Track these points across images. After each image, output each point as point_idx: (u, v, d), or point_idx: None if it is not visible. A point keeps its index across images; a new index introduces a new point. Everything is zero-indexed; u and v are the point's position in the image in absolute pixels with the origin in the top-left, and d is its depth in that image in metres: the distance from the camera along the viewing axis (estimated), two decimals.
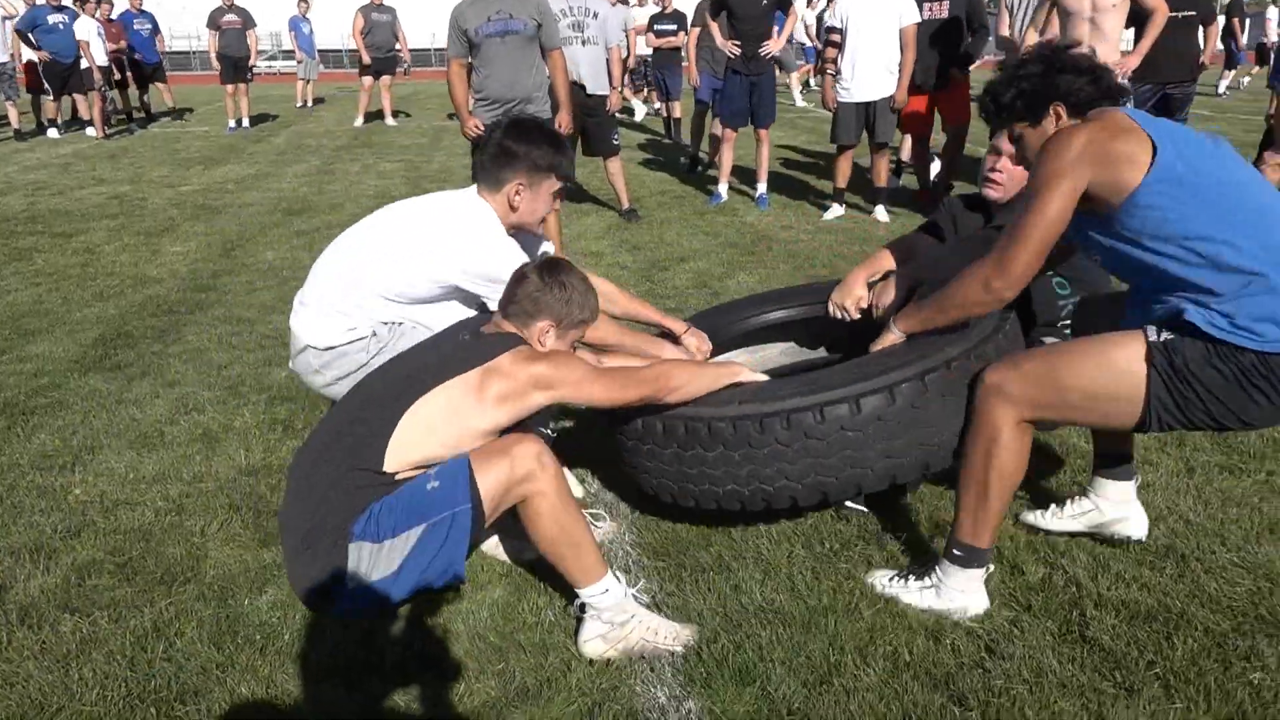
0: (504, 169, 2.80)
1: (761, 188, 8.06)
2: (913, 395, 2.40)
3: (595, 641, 2.35)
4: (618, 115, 7.63)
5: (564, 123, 5.74)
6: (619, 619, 2.34)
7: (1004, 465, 2.34)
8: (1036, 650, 2.30)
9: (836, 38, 7.09)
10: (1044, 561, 2.66)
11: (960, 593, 2.44)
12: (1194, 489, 3.05)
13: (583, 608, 2.37)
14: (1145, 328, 2.24)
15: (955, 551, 2.44)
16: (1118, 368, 2.22)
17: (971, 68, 7.63)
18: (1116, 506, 2.69)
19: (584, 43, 6.89)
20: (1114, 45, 5.75)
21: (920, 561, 2.65)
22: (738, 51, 7.48)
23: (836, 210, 7.50)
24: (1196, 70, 7.62)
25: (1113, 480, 2.68)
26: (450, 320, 2.72)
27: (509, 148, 2.79)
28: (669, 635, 2.36)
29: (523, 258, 2.73)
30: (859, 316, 3.01)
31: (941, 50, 7.29)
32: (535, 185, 2.84)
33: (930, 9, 7.30)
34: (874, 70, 6.99)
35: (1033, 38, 6.07)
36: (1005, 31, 6.98)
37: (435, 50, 32.62)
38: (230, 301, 5.47)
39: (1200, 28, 7.61)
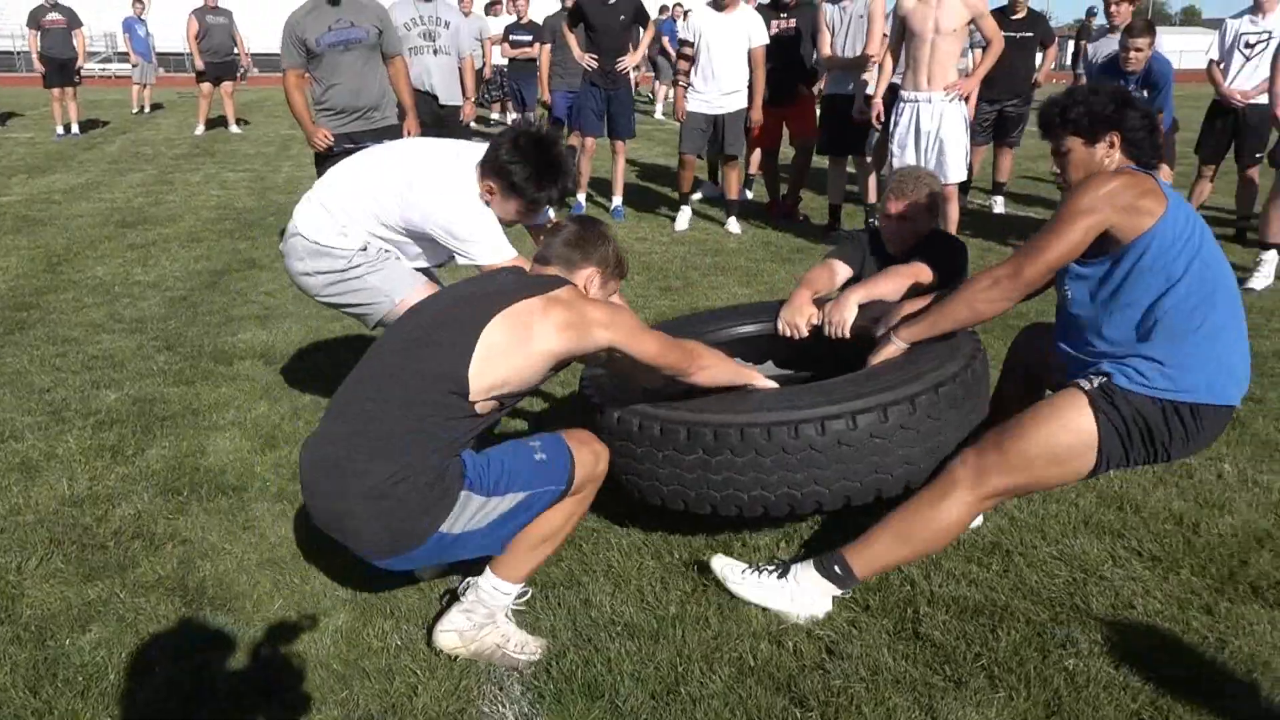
0: (488, 171, 2.94)
1: (617, 200, 8.13)
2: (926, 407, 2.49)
3: (451, 635, 2.36)
4: (473, 126, 7.57)
5: (411, 129, 5.66)
6: (481, 621, 2.36)
7: (940, 541, 2.50)
8: (873, 649, 2.40)
9: (689, 50, 7.23)
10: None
11: (811, 601, 2.53)
12: None
13: (460, 594, 2.42)
14: (1077, 381, 2.46)
15: (835, 569, 2.52)
16: (1074, 425, 2.40)
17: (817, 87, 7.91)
18: None
19: (436, 52, 6.81)
20: (950, 67, 6.05)
21: (771, 561, 2.71)
22: (595, 65, 7.53)
23: (685, 215, 7.65)
24: (1030, 90, 8.12)
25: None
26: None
27: (505, 159, 2.89)
28: (519, 645, 2.38)
29: (494, 228, 2.99)
30: (808, 334, 3.08)
31: (789, 66, 7.52)
32: (505, 198, 2.96)
33: (778, 25, 7.53)
34: (724, 84, 7.16)
35: (889, 59, 6.30)
36: (826, 51, 7.18)
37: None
38: (55, 320, 5.16)
39: (1039, 49, 8.11)
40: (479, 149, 3.03)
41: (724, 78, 7.14)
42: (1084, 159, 2.55)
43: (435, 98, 6.79)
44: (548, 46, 8.87)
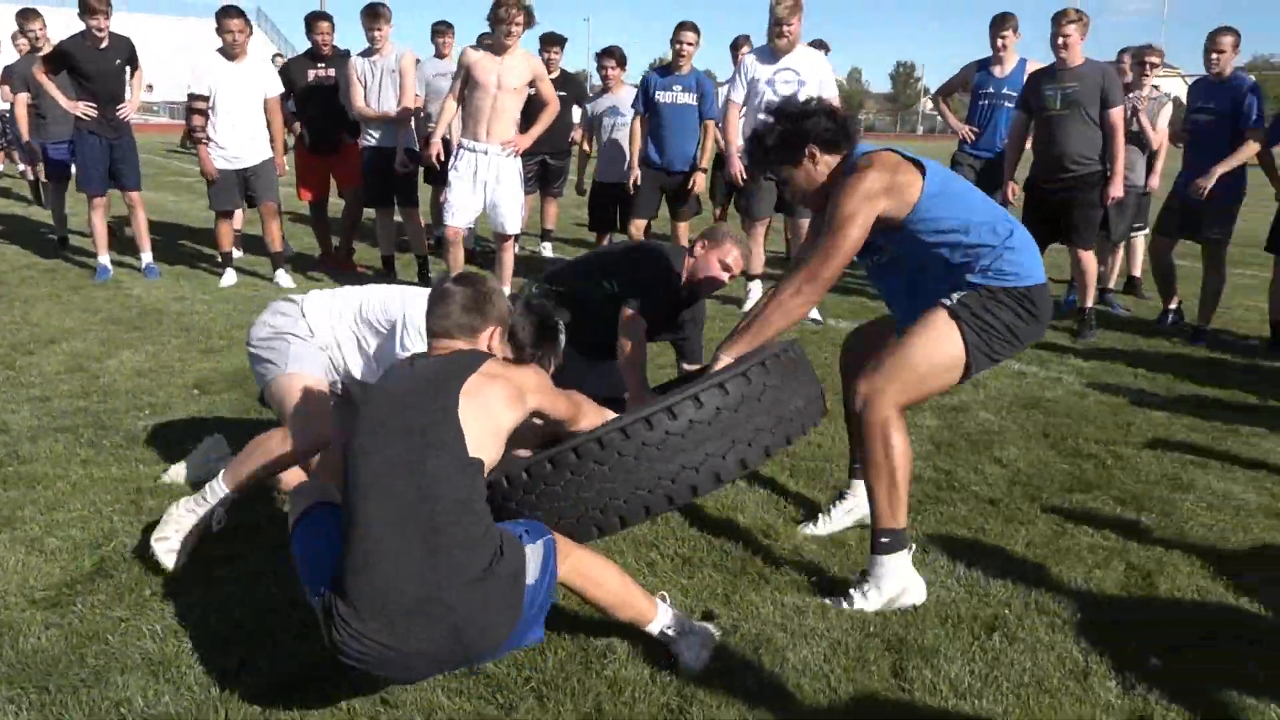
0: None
1: (146, 257, 7.51)
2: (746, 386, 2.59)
3: None
4: None
5: None
6: None
7: (900, 448, 2.78)
8: (428, 691, 2.41)
9: (202, 104, 6.88)
10: None
11: (897, 578, 2.79)
12: None
13: None
14: (939, 301, 2.82)
15: (882, 540, 2.81)
16: (943, 336, 2.78)
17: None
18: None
19: None
20: (510, 122, 6.35)
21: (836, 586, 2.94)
22: (93, 113, 6.93)
23: (230, 273, 7.26)
24: (569, 145, 8.73)
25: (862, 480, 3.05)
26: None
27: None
28: None
29: None
30: None
31: (330, 115, 7.44)
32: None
33: (315, 74, 7.44)
34: (246, 135, 6.94)
35: (451, 106, 6.41)
36: (359, 103, 7.22)
37: None
38: None
39: (575, 105, 8.71)
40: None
41: (244, 128, 6.92)
42: (803, 178, 2.93)
43: None
44: (23, 96, 8.04)
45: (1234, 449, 4.35)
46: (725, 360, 2.80)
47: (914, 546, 2.96)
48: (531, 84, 6.39)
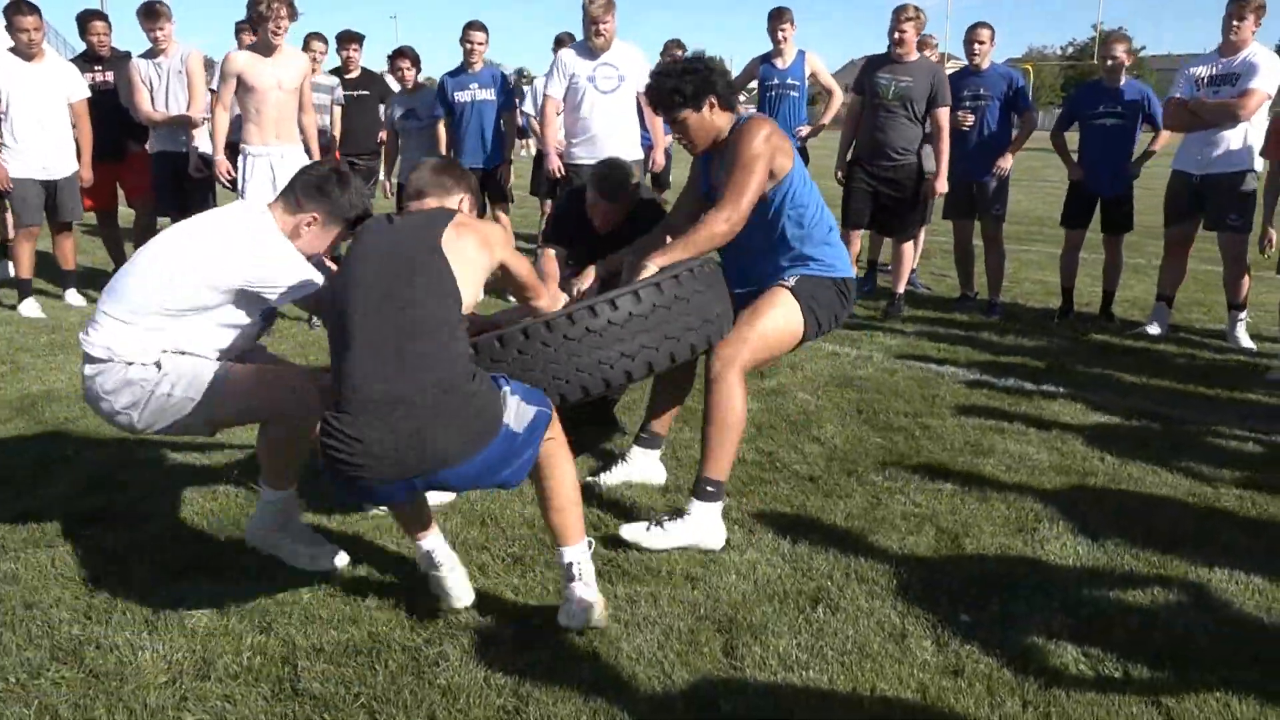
0: (310, 199, 2.97)
1: None
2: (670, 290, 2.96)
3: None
4: None
5: None
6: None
7: (738, 407, 3.20)
8: (250, 715, 2.31)
9: None
10: (259, 628, 2.70)
11: (710, 527, 3.18)
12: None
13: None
14: (780, 281, 3.35)
15: (708, 489, 3.20)
16: (788, 309, 3.30)
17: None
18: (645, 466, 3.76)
19: None
20: (295, 123, 6.16)
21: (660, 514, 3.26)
22: None
23: (33, 307, 6.63)
24: (379, 145, 8.49)
25: (644, 450, 3.76)
26: (231, 335, 2.93)
27: (326, 187, 2.97)
28: None
29: (303, 264, 2.92)
30: None
31: (112, 121, 6.99)
32: (328, 228, 3.02)
33: (93, 77, 6.97)
34: (52, 144, 6.43)
35: (223, 116, 6.12)
36: (145, 107, 6.81)
37: None
38: None
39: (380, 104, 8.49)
40: (240, 204, 3.09)
41: (45, 137, 6.41)
42: (698, 122, 3.31)
43: None
44: None
45: (1028, 411, 4.69)
46: (653, 266, 3.12)
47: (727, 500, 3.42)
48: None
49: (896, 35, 6.49)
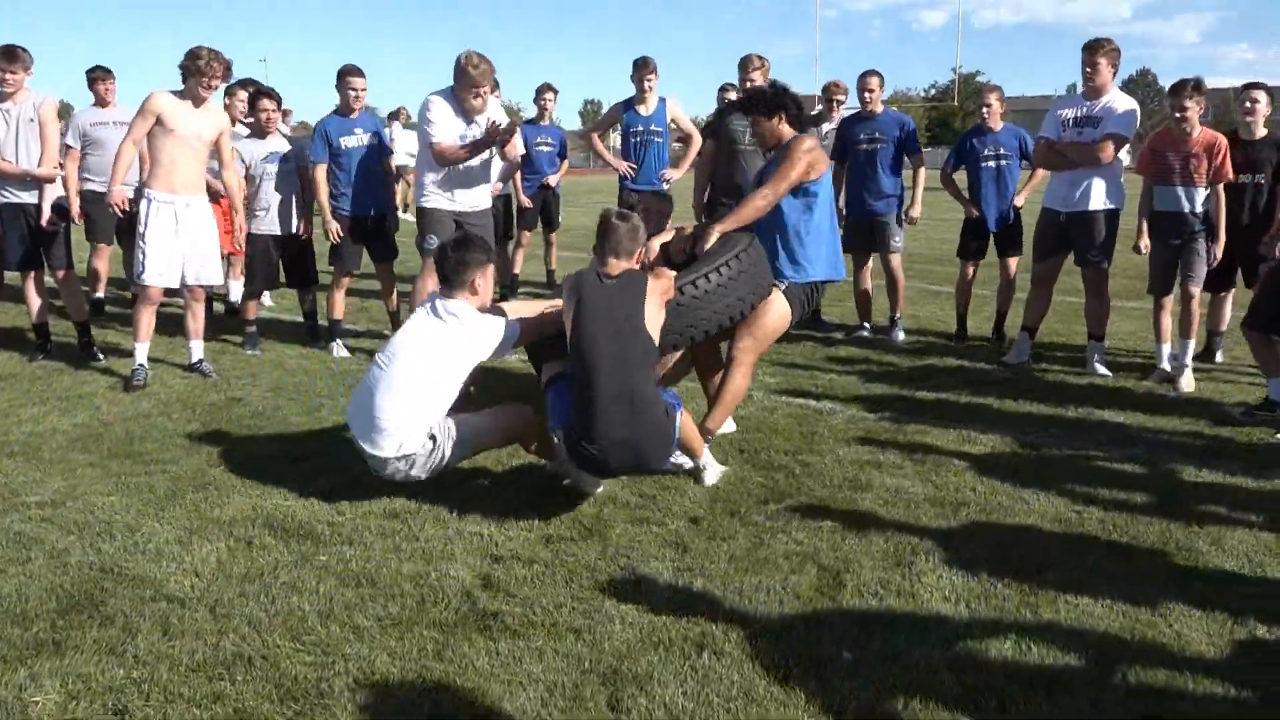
0: (464, 272, 4.04)
1: None
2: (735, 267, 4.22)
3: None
4: None
5: None
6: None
7: (745, 385, 4.60)
8: None
9: None
10: (114, 711, 2.53)
11: (714, 464, 4.37)
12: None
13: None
14: (773, 284, 4.49)
15: (707, 436, 4.38)
16: (782, 309, 4.53)
17: None
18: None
19: None
20: (203, 176, 6.23)
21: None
22: None
23: None
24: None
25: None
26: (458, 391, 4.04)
27: (464, 258, 4.04)
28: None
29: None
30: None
31: None
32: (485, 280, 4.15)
33: None
34: None
35: (131, 151, 5.96)
36: None
37: None
38: None
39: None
40: (437, 312, 4.05)
41: None
42: (768, 128, 4.66)
43: None
44: None
45: (903, 445, 4.80)
46: (716, 234, 4.34)
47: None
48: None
49: (747, 85, 7.03)
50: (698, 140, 7.91)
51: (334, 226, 6.90)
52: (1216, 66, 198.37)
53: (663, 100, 7.94)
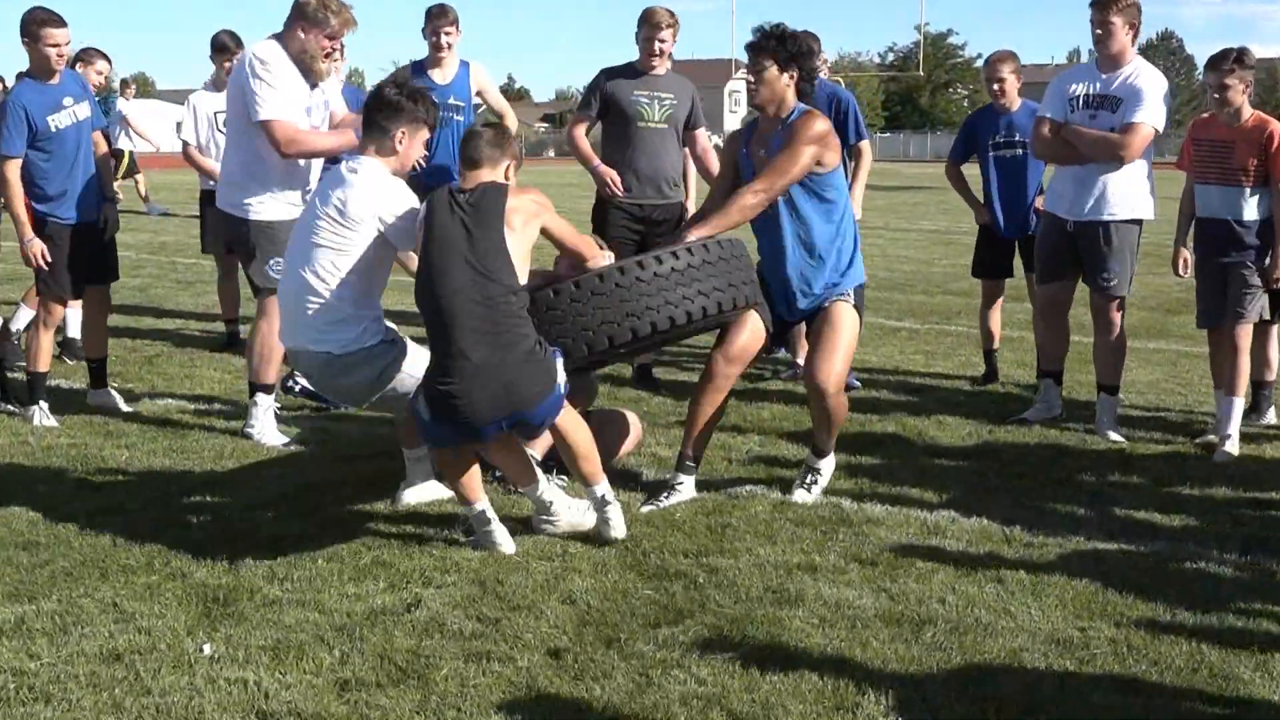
0: (393, 122, 4.86)
1: None
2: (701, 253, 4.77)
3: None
4: None
5: None
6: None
7: (845, 407, 5.50)
8: None
9: None
10: None
11: (829, 469, 5.53)
12: None
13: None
14: (842, 295, 5.28)
15: (821, 449, 5.46)
16: (853, 321, 5.30)
17: None
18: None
19: None
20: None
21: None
22: None
23: None
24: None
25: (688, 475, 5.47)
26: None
27: (394, 101, 4.86)
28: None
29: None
30: None
31: None
32: (415, 131, 4.95)
33: None
34: None
35: None
36: None
37: None
38: None
39: None
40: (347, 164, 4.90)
41: None
42: (772, 80, 5.06)
43: None
44: None
45: (847, 539, 4.82)
46: (692, 236, 4.88)
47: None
48: None
49: (657, 46, 7.20)
50: (511, 120, 8.00)
51: (38, 246, 6.52)
52: (1256, 30, 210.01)
53: (465, 65, 7.82)
